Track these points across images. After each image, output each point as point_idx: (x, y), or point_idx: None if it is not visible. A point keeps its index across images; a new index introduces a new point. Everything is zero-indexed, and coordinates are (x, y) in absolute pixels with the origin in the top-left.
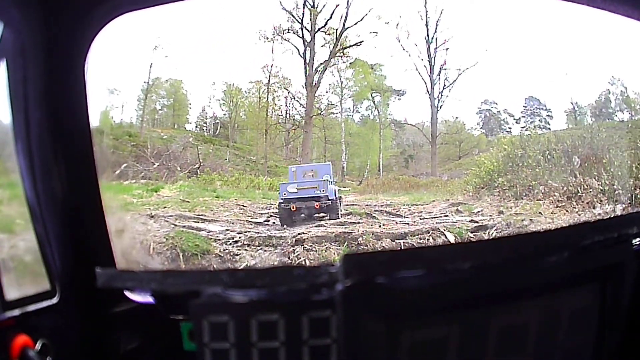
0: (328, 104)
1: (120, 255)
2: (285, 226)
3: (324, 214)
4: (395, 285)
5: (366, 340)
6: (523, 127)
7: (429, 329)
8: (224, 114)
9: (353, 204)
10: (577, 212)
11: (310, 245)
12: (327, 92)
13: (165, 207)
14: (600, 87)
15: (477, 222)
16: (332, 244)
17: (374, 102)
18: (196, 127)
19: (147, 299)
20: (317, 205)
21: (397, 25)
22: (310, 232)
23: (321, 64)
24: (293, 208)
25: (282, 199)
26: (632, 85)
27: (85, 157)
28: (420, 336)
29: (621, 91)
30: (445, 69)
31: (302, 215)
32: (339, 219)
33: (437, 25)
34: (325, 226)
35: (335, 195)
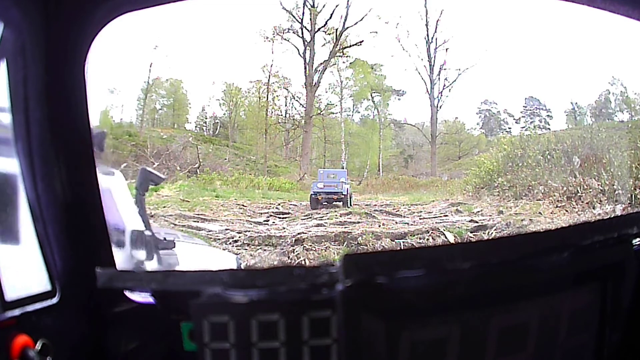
0: (328, 104)
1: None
2: (313, 209)
3: (339, 203)
4: (395, 285)
5: (366, 340)
6: (523, 127)
7: (429, 329)
8: (224, 114)
9: (353, 204)
10: (577, 212)
11: (310, 245)
12: (327, 92)
13: (165, 207)
14: (600, 87)
15: (477, 222)
16: (332, 243)
17: (373, 102)
18: (196, 127)
19: (147, 299)
20: (335, 197)
21: (397, 25)
22: (310, 231)
23: (321, 63)
24: (320, 198)
25: (313, 192)
26: (632, 85)
27: (85, 157)
28: (420, 336)
29: (621, 91)
30: (445, 69)
31: (325, 202)
32: (350, 207)
33: (437, 25)
34: (325, 226)
35: (347, 192)
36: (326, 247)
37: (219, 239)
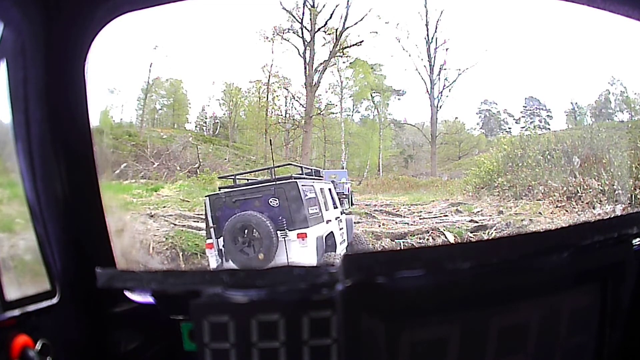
0: (328, 104)
1: (120, 255)
2: None
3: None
4: (395, 285)
5: (366, 340)
6: (523, 127)
7: (429, 329)
8: (224, 114)
9: (353, 204)
10: (577, 212)
11: None
12: (327, 92)
13: (164, 207)
14: (600, 87)
15: (477, 222)
16: None
17: (373, 102)
18: (196, 126)
19: (147, 299)
20: None
21: (397, 25)
22: None
23: (321, 63)
24: None
25: None
26: (632, 85)
27: (85, 157)
28: (420, 336)
29: (621, 91)
30: (445, 69)
31: None
32: (350, 207)
33: (437, 25)
34: None
35: (349, 192)
36: None
37: None
